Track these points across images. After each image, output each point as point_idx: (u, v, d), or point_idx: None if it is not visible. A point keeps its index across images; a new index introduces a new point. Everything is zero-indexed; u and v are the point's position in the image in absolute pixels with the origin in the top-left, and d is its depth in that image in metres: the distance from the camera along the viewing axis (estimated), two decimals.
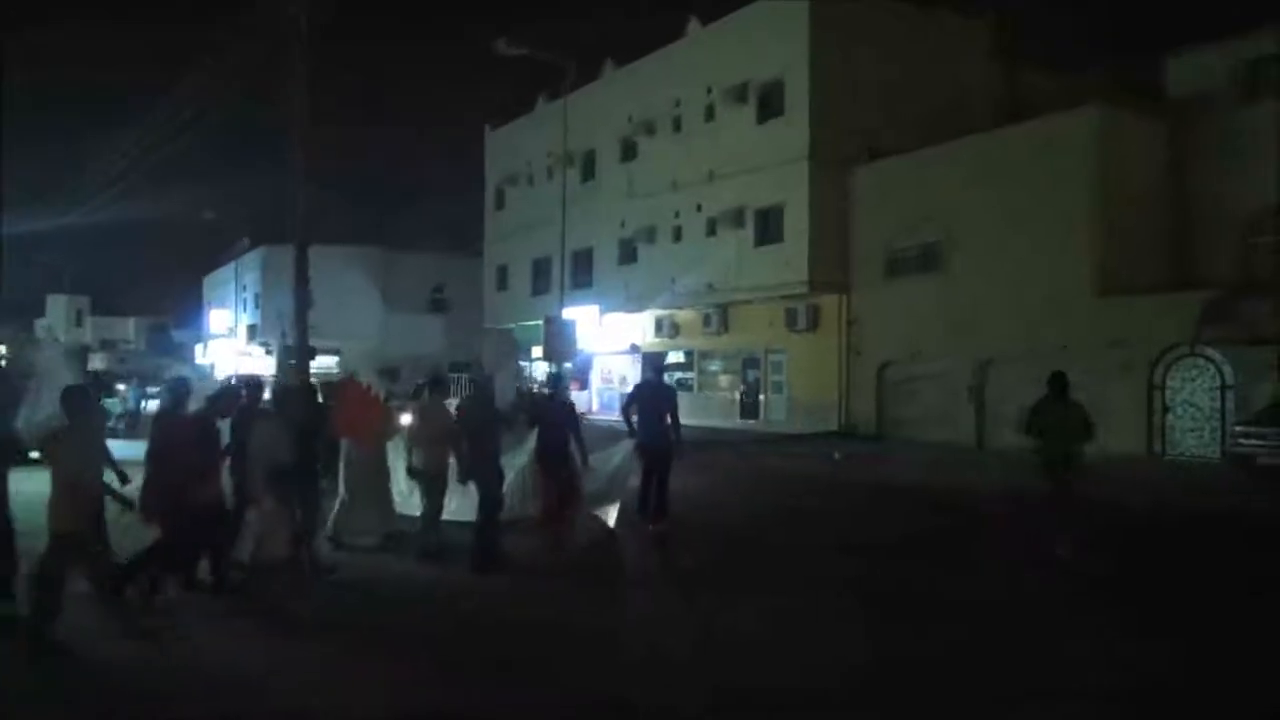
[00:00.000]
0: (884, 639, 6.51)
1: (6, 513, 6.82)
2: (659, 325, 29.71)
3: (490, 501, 8.61)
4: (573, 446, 9.59)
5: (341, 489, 9.49)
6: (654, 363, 11.08)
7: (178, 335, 66.78)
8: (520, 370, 10.83)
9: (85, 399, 6.64)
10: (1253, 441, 14.16)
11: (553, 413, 9.78)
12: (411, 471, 9.30)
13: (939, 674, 5.83)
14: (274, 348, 46.21)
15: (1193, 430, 17.98)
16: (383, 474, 9.78)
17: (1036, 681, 5.70)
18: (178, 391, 7.62)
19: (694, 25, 27.62)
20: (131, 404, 25.57)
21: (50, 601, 6.00)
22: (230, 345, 52.38)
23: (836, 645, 6.40)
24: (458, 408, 9.47)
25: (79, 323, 71.86)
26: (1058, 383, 9.24)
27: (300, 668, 5.83)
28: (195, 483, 7.05)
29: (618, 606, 7.59)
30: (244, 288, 50.58)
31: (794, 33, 24.02)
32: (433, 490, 9.08)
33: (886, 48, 23.93)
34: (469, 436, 8.69)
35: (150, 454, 7.19)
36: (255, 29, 15.73)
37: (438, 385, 9.85)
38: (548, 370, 24.21)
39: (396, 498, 9.98)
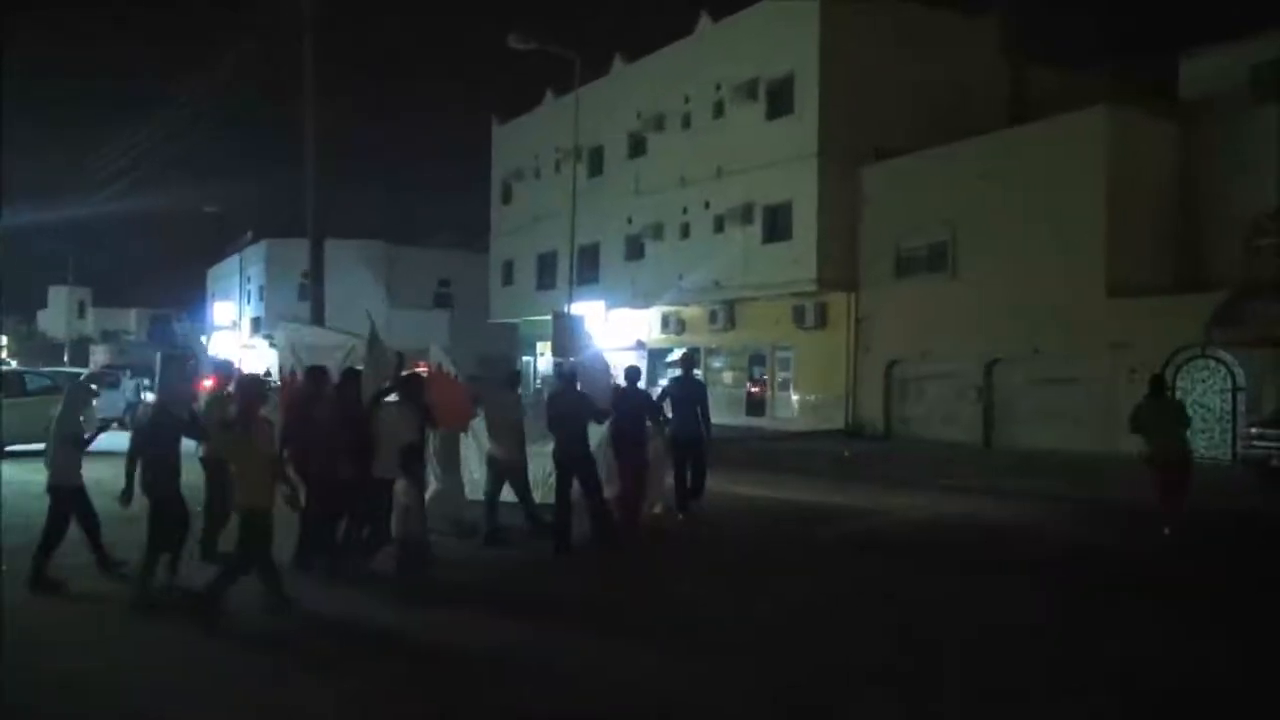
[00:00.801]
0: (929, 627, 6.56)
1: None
2: (665, 321, 29.67)
3: (595, 485, 9.33)
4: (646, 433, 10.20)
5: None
6: (687, 360, 11.90)
7: (180, 327, 66.71)
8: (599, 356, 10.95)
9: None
10: (1266, 444, 14.12)
11: (628, 400, 10.16)
12: (491, 460, 9.79)
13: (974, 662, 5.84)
14: (277, 341, 46.38)
15: (1203, 432, 17.92)
16: (455, 461, 10.29)
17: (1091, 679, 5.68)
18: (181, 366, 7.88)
19: (704, 22, 27.56)
20: (131, 396, 25.57)
21: (248, 572, 6.71)
22: (234, 338, 52.33)
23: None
24: (549, 397, 10.18)
25: (81, 314, 71.76)
26: (1157, 384, 10.99)
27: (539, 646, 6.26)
28: (337, 463, 7.80)
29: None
30: (248, 280, 50.52)
31: (804, 30, 23.96)
32: (507, 477, 9.62)
33: (896, 46, 23.87)
34: (558, 425, 9.30)
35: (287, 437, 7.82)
36: (262, 23, 15.72)
37: (514, 378, 10.71)
38: (553, 365, 24.16)
39: (466, 486, 10.49)
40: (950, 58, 24.65)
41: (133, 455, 7.14)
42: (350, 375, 8.61)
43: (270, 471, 6.82)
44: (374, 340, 9.42)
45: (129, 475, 7.05)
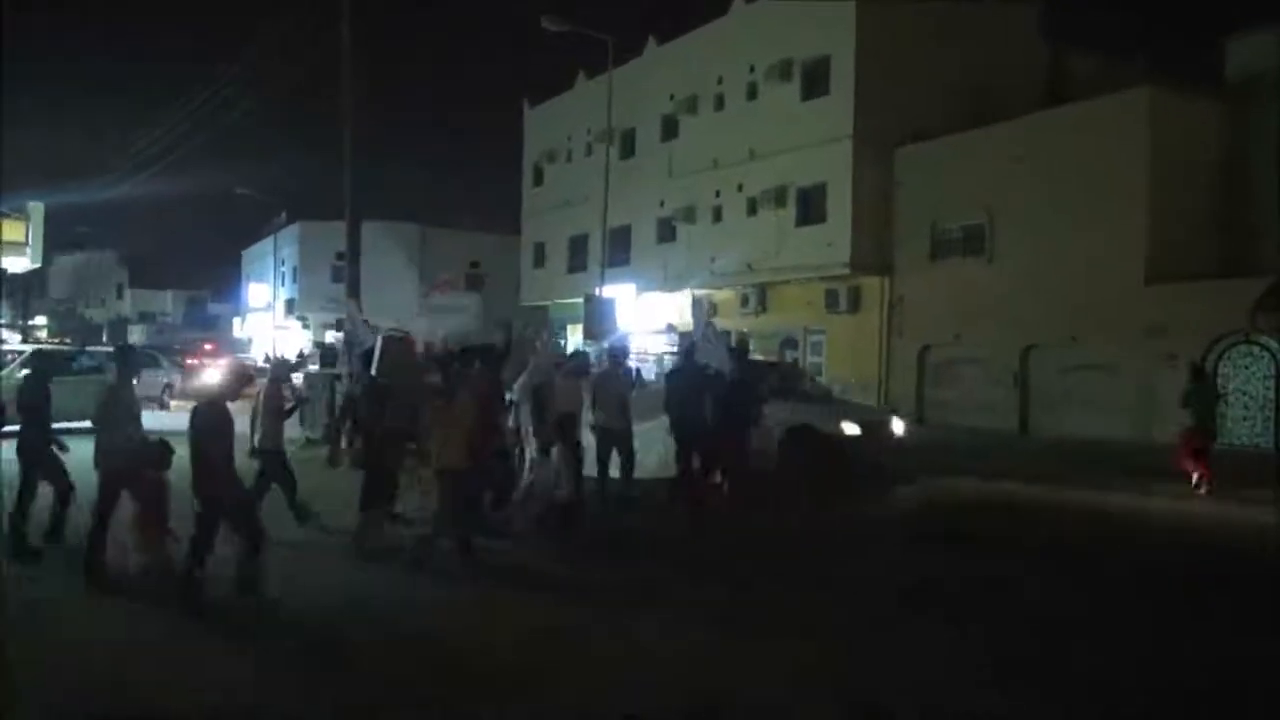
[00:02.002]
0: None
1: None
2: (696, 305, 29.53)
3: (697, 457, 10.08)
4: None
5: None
6: (740, 346, 12.43)
7: (215, 308, 67.49)
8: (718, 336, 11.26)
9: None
10: None
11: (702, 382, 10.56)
12: (594, 429, 10.42)
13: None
14: (310, 321, 46.71)
15: (1245, 419, 17.65)
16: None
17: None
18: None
19: (738, 2, 27.30)
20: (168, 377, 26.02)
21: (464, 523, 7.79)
22: (268, 319, 52.85)
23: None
24: (668, 374, 11.08)
25: (119, 295, 72.78)
26: (1198, 370, 13.78)
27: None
28: (491, 435, 8.51)
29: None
30: (282, 262, 50.97)
31: (840, 11, 23.67)
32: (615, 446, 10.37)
33: (932, 28, 23.53)
34: (675, 401, 10.08)
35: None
36: (301, 5, 15.77)
37: (623, 354, 11.64)
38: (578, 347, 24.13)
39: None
40: (987, 41, 24.28)
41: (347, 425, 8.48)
42: (493, 354, 9.55)
43: (468, 438, 7.74)
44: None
45: (334, 442, 8.38)
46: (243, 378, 7.66)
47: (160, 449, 7.26)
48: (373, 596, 6.87)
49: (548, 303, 35.53)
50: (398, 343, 9.58)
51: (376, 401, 8.82)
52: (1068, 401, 20.49)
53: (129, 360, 7.72)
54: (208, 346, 38.30)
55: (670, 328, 30.17)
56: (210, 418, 6.59)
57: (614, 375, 10.87)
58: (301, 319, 47.62)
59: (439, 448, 7.75)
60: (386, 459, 8.52)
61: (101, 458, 7.11)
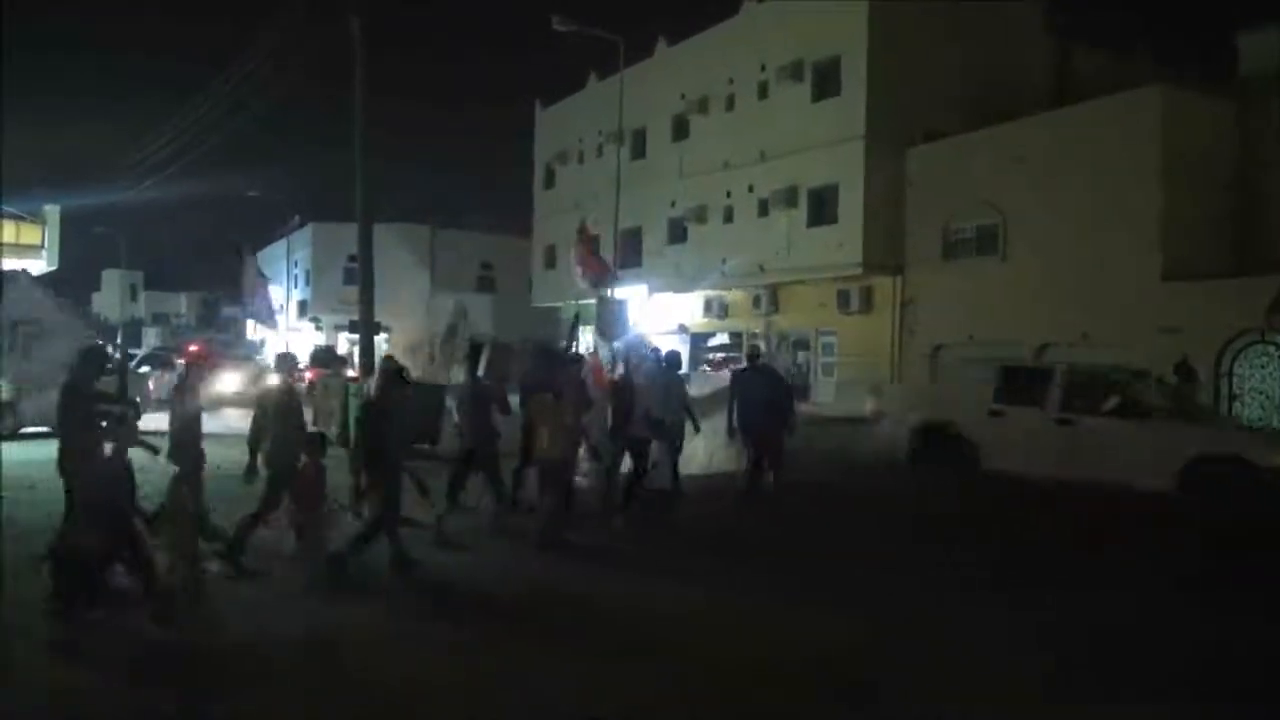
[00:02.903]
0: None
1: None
2: (708, 305, 29.60)
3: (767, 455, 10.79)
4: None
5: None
6: (752, 350, 12.40)
7: (228, 310, 67.88)
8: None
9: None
10: None
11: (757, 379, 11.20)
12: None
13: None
14: (323, 323, 46.92)
15: (1261, 419, 17.54)
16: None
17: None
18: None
19: (749, 2, 27.33)
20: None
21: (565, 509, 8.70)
22: (280, 321, 53.06)
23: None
24: (736, 375, 11.40)
25: (134, 297, 73.28)
26: (1187, 368, 14.94)
27: None
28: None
29: None
30: (295, 264, 51.22)
31: (852, 11, 23.66)
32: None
33: (943, 28, 23.53)
34: (744, 401, 10.68)
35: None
36: (313, 6, 15.86)
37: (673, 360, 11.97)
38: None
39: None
40: (997, 40, 24.27)
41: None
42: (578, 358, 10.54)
43: (570, 432, 8.53)
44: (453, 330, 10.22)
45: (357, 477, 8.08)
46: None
47: (318, 438, 7.95)
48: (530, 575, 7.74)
49: (559, 304, 35.62)
50: (503, 349, 10.54)
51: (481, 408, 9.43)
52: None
53: (90, 361, 7.58)
54: (193, 348, 37.58)
55: (682, 328, 30.25)
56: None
57: (675, 377, 11.55)
58: (315, 320, 47.84)
59: (546, 441, 8.57)
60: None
61: (271, 454, 7.51)
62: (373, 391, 8.91)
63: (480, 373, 10.47)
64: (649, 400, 10.29)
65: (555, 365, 10.12)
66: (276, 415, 7.68)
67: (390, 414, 7.77)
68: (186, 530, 6.80)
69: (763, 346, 12.33)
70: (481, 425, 9.38)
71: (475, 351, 11.53)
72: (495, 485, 9.40)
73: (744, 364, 12.10)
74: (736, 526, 9.89)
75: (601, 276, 20.07)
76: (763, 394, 10.81)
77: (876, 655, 5.82)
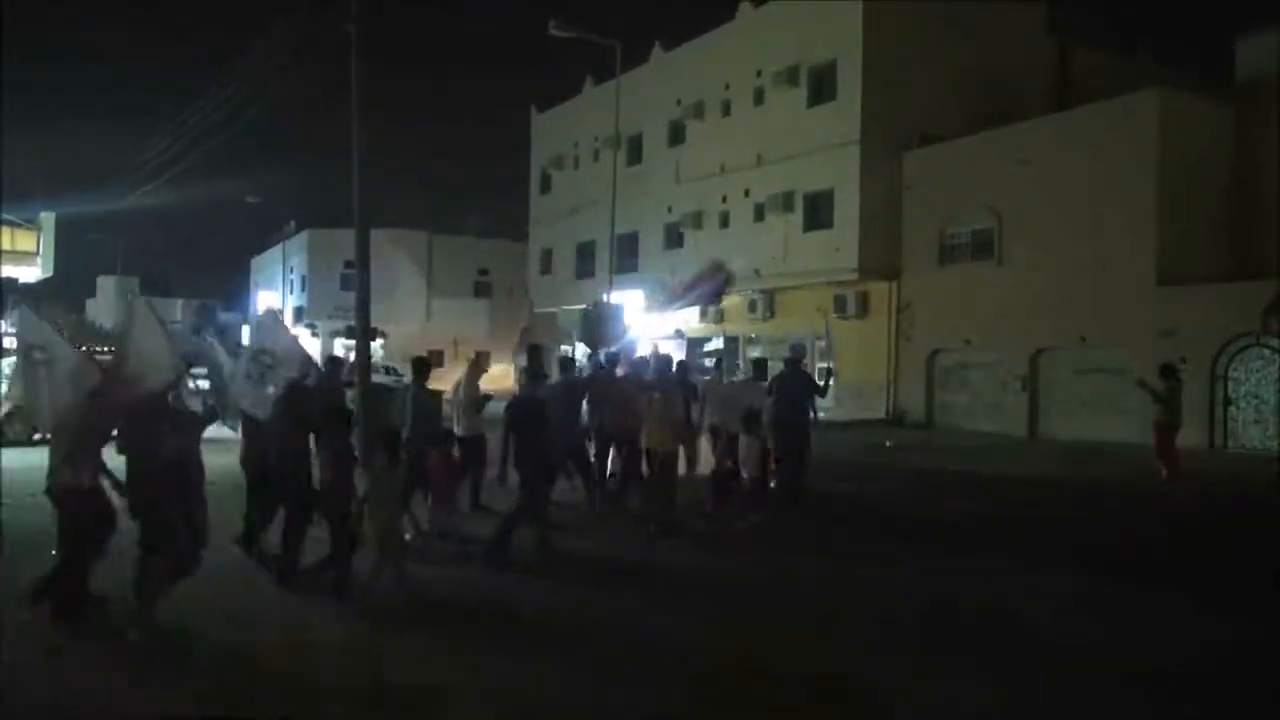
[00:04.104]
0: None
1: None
2: (704, 311, 29.61)
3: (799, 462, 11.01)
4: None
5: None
6: (796, 352, 12.36)
7: (224, 316, 67.86)
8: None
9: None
10: None
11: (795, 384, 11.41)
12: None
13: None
14: (319, 329, 46.95)
15: (1256, 423, 17.55)
16: None
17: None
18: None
19: (745, 8, 27.38)
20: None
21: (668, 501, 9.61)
22: None
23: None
24: (777, 378, 11.40)
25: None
26: (1171, 369, 14.15)
27: None
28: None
29: None
30: (290, 270, 51.26)
31: (847, 16, 23.70)
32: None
33: (940, 30, 23.55)
34: (786, 405, 10.90)
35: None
36: (310, 17, 15.84)
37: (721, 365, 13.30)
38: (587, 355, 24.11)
39: None
40: (995, 42, 24.29)
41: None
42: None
43: (675, 427, 9.69)
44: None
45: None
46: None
47: (449, 433, 9.28)
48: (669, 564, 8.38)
49: (555, 309, 35.64)
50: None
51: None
52: (1078, 405, 20.43)
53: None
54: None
55: (679, 333, 30.25)
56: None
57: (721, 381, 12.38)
58: (310, 326, 47.85)
59: (654, 434, 9.59)
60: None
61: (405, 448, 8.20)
62: (519, 386, 9.99)
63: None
64: (714, 405, 11.02)
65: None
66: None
67: (539, 407, 8.55)
68: (388, 519, 7.04)
69: (759, 351, 12.49)
70: (573, 425, 10.31)
71: (536, 354, 12.56)
72: (588, 479, 10.56)
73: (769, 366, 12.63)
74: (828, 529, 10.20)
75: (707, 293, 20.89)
76: (802, 398, 11.14)
77: None
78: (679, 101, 29.07)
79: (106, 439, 6.35)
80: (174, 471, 6.20)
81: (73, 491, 6.15)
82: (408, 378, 10.97)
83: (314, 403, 7.49)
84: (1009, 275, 21.54)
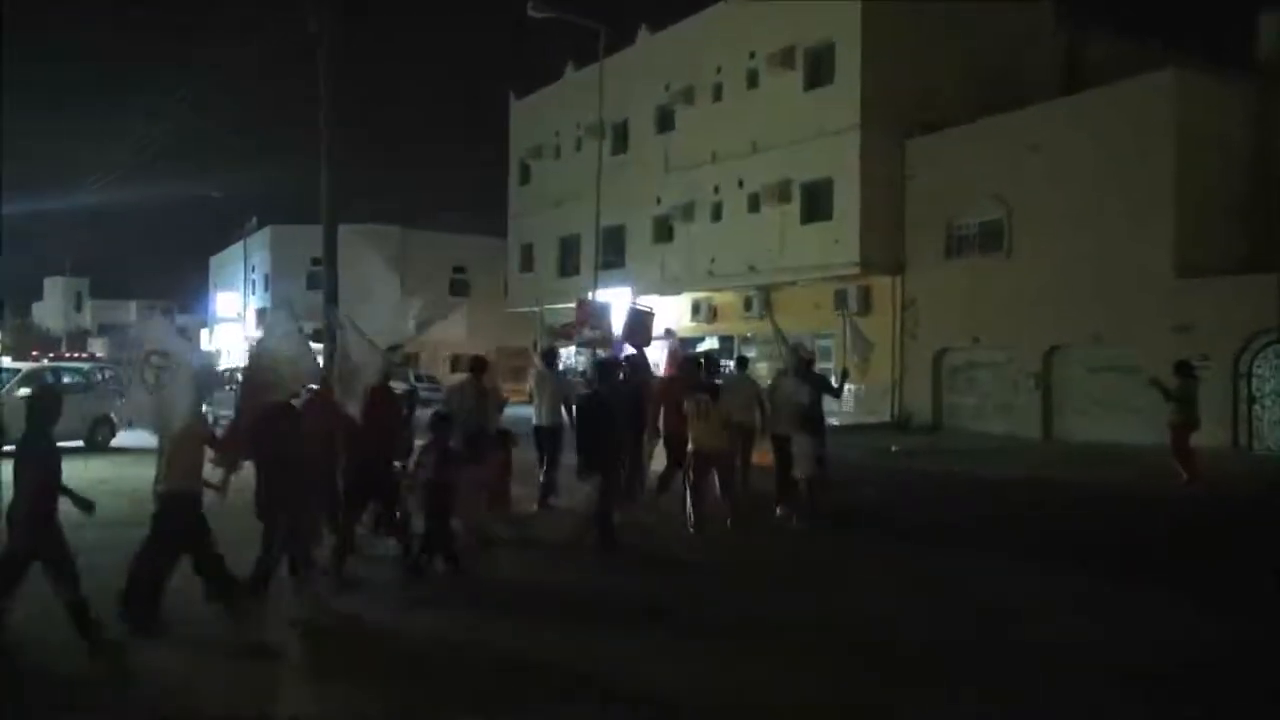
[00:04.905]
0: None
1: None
2: (696, 308, 29.74)
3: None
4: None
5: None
6: (806, 353, 13.09)
7: (181, 319, 67.63)
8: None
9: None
10: None
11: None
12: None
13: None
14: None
15: None
16: None
17: None
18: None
19: None
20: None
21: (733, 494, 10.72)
22: (238, 330, 52.90)
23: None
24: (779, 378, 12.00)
25: (78, 307, 72.87)
26: (1185, 367, 14.30)
27: None
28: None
29: None
30: (252, 269, 51.13)
31: None
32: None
33: (943, 10, 23.71)
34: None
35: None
36: (272, 7, 15.87)
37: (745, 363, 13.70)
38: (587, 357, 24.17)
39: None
40: (1001, 24, 24.52)
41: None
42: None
43: (727, 429, 10.45)
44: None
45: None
46: None
47: (506, 436, 10.42)
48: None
49: (537, 309, 35.68)
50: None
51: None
52: (1093, 405, 20.61)
53: None
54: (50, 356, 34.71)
55: (669, 333, 30.31)
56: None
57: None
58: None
59: (705, 435, 10.28)
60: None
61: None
62: (590, 383, 10.98)
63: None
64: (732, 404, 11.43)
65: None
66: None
67: (608, 404, 9.42)
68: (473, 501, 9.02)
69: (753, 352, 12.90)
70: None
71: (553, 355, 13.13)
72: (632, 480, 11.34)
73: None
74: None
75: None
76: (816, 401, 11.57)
77: None
78: (667, 86, 29.18)
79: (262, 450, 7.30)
80: (300, 472, 7.34)
81: (181, 497, 6.69)
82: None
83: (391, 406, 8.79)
84: (1019, 269, 21.70)
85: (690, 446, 10.51)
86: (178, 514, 6.64)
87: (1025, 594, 7.76)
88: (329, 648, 6.48)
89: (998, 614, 7.14)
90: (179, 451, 6.67)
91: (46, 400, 6.59)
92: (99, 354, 46.43)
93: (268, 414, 7.34)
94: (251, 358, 8.36)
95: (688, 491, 10.39)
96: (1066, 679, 5.74)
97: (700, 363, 12.64)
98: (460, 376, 12.17)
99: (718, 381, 11.44)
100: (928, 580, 8.29)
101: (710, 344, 29.43)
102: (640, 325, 16.00)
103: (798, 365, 11.92)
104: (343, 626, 6.90)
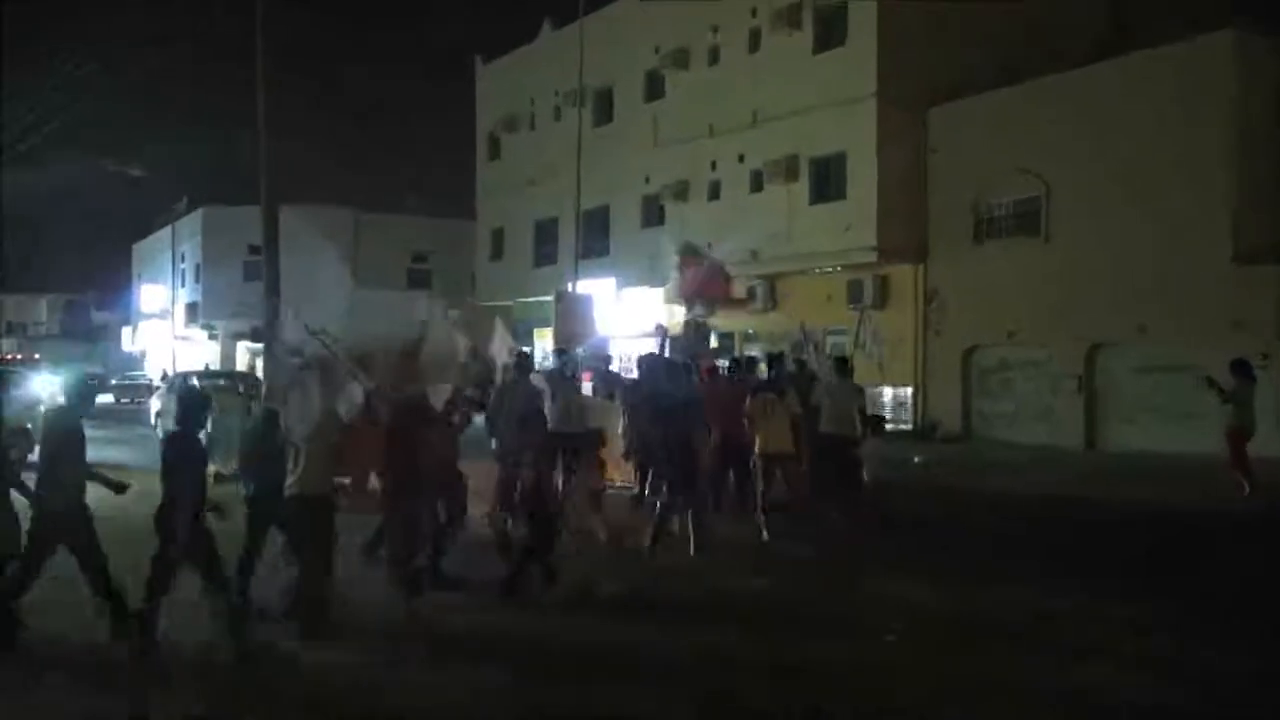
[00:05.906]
0: None
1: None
2: (691, 302, 29.59)
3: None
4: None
5: None
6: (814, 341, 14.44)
7: (99, 316, 67.03)
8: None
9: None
10: None
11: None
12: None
13: None
14: (219, 331, 46.43)
15: None
16: None
17: None
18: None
19: None
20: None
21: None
22: (165, 327, 52.44)
23: None
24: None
25: None
26: (1243, 365, 14.43)
27: None
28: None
29: None
30: (181, 258, 50.71)
31: None
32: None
33: None
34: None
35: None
36: None
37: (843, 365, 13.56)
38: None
39: None
40: None
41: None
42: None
43: (794, 429, 11.41)
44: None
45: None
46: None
47: (599, 433, 11.08)
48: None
49: (509, 302, 35.46)
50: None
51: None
52: (1142, 410, 20.58)
53: None
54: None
55: (660, 329, 30.13)
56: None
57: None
58: (208, 327, 47.32)
59: (769, 437, 11.18)
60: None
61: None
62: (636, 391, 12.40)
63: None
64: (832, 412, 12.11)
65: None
66: None
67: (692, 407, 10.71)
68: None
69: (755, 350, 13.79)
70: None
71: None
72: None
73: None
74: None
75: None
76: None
77: None
78: (657, 48, 29.08)
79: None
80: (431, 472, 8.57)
81: (320, 500, 7.47)
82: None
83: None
84: (1058, 254, 21.67)
85: (756, 449, 11.36)
86: (309, 516, 7.40)
87: (1083, 649, 7.42)
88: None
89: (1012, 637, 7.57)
90: (312, 452, 7.39)
91: (196, 401, 7.47)
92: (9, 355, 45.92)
93: (409, 408, 8.59)
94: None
95: (757, 497, 11.33)
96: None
97: (740, 363, 14.14)
98: (506, 377, 12.65)
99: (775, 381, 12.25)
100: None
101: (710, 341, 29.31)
102: (580, 314, 16.44)
103: (838, 365, 12.72)
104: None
